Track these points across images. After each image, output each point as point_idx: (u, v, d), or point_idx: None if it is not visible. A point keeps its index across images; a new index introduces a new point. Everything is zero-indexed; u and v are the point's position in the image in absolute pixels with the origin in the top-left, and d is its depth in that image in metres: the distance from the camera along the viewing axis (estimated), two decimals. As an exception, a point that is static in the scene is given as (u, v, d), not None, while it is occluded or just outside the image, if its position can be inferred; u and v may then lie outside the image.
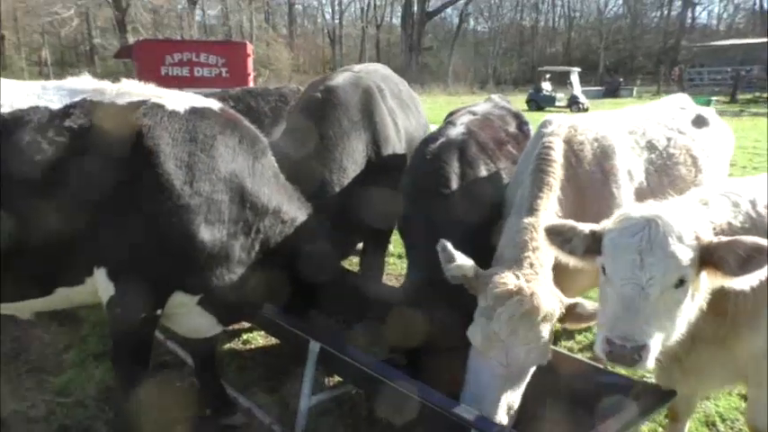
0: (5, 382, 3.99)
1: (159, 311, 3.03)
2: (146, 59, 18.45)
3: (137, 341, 3.06)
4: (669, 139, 4.01)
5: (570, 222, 2.65)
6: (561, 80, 32.86)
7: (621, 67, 57.58)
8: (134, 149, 2.80)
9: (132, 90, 3.02)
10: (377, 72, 5.22)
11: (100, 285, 2.91)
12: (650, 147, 3.94)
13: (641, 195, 3.70)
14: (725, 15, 65.05)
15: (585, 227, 2.54)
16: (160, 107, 2.94)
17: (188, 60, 19.03)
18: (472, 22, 66.05)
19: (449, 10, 59.58)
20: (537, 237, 3.07)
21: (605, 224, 2.48)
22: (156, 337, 4.53)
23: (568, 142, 3.56)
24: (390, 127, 4.74)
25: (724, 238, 2.28)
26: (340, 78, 4.68)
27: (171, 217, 2.82)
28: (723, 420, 3.74)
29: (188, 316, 3.24)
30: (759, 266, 2.16)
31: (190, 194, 2.85)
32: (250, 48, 20.31)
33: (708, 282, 2.34)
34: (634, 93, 39.56)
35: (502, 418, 2.68)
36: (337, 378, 3.99)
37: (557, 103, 30.04)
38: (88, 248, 2.81)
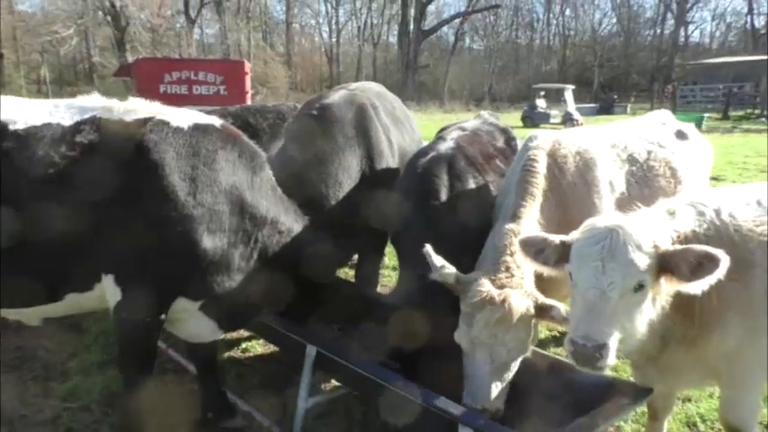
0: (12, 388, 4.13)
1: (163, 316, 3.19)
2: (145, 78, 18.70)
3: (142, 345, 3.22)
4: (650, 153, 4.21)
5: (542, 234, 2.84)
6: (556, 97, 33.25)
7: (616, 84, 58.19)
8: (140, 163, 2.98)
9: (139, 108, 3.20)
10: (371, 90, 5.41)
11: (108, 291, 3.07)
12: (631, 160, 4.13)
13: (623, 205, 3.88)
14: (717, 34, 66.05)
15: (556, 238, 2.72)
16: (165, 124, 3.12)
17: (186, 78, 19.28)
18: (468, 41, 66.89)
19: (445, 28, 60.39)
20: (516, 242, 3.27)
21: (574, 234, 2.65)
22: (159, 346, 4.69)
23: (552, 155, 3.76)
24: (384, 142, 4.91)
25: (679, 247, 2.47)
26: (336, 96, 4.87)
27: (175, 226, 2.99)
28: (704, 421, 3.89)
29: (190, 321, 3.40)
30: (709, 273, 2.35)
31: (193, 205, 3.02)
32: (248, 66, 20.59)
33: (666, 287, 2.51)
34: (628, 109, 39.93)
35: (495, 405, 2.89)
36: (334, 383, 4.13)
37: (551, 120, 30.34)
38: (97, 256, 2.99)
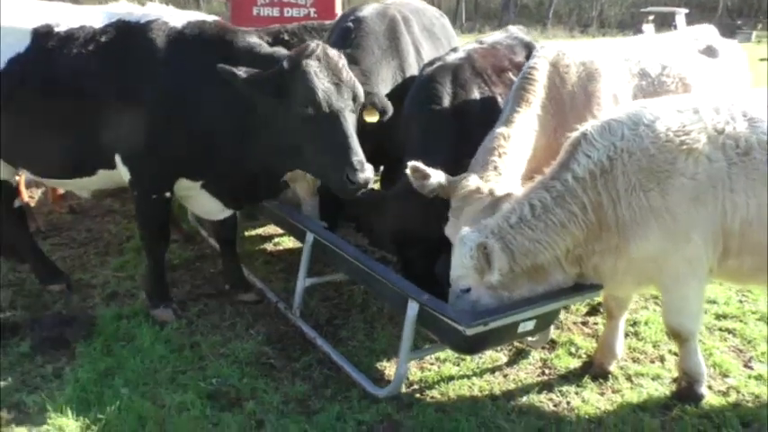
0: (77, 259, 4.92)
1: (168, 194, 3.75)
2: (239, 1, 19.29)
3: (153, 219, 3.82)
4: (664, 68, 4.13)
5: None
6: (667, 22, 30.85)
7: (747, 8, 52.73)
8: (142, 56, 3.50)
9: (151, 12, 3.71)
10: (408, 4, 5.51)
11: (121, 169, 3.68)
12: (642, 74, 4.08)
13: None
14: None
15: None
16: (165, 23, 3.61)
17: (278, 1, 19.67)
18: (581, -40, 62.29)
19: (555, -53, 56.48)
20: (506, 144, 3.47)
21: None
22: (201, 233, 5.34)
23: (555, 65, 3.82)
24: (413, 56, 5.06)
25: None
26: (368, 9, 5.04)
27: (169, 113, 3.48)
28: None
29: (198, 199, 3.96)
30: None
31: (184, 93, 3.48)
32: (338, -12, 20.62)
33: None
34: (753, 37, 36.24)
35: None
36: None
37: (658, 48, 28.30)
38: (110, 137, 3.58)
